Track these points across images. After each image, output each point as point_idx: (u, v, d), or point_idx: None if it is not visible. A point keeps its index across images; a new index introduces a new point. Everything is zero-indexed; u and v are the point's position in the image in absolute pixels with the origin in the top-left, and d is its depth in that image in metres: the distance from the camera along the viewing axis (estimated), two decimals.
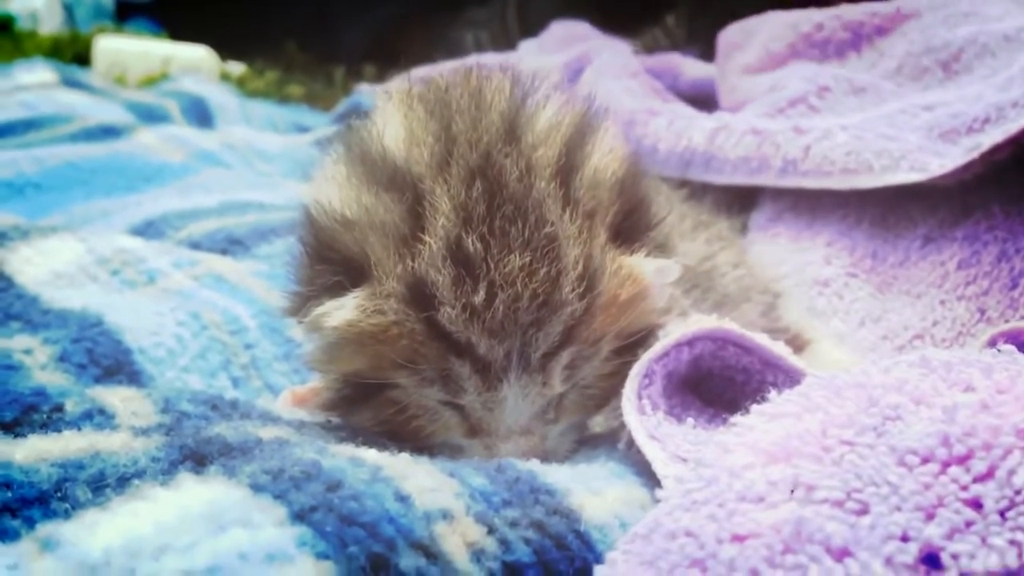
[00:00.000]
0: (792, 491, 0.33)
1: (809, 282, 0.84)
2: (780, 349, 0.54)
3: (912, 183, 0.79)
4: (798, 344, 0.77)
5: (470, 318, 0.44)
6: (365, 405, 0.48)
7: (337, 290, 0.45)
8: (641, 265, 0.48)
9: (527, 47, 1.59)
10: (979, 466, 0.33)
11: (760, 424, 0.38)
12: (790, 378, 0.51)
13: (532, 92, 0.51)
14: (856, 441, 0.36)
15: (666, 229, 0.53)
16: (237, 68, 2.04)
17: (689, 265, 0.66)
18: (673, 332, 0.51)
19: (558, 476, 0.41)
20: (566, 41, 1.55)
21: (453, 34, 2.04)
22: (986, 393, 0.36)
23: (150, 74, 1.83)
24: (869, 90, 1.02)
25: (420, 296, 0.44)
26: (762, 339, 0.53)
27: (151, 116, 1.25)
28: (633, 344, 0.50)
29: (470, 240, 0.43)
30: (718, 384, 0.56)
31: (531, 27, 1.77)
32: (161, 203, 0.86)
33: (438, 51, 1.93)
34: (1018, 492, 0.32)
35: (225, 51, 2.03)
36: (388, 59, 1.93)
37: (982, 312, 0.72)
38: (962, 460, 0.33)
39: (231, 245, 0.78)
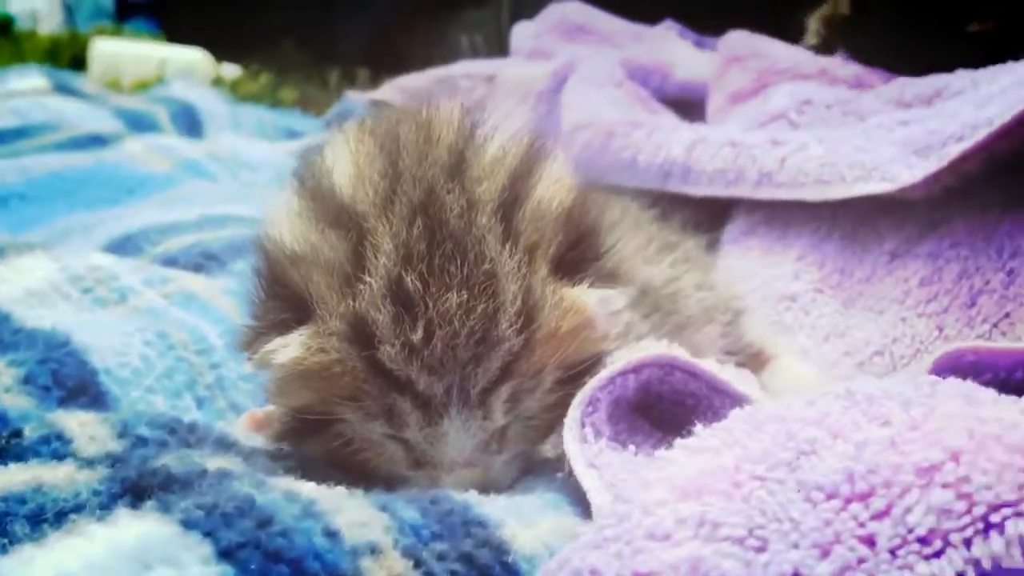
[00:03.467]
0: (698, 528, 0.34)
1: (777, 296, 0.85)
2: (726, 375, 0.55)
3: (882, 196, 0.80)
4: (761, 360, 0.78)
5: (409, 356, 0.45)
6: (313, 438, 0.49)
7: (285, 327, 0.47)
8: (583, 296, 0.49)
9: (521, 30, 1.58)
10: (878, 503, 0.34)
11: (681, 458, 0.39)
12: (736, 403, 0.52)
13: (481, 124, 0.52)
14: (768, 476, 0.37)
15: (616, 257, 0.54)
16: (232, 70, 2.05)
17: (654, 287, 0.67)
18: (619, 360, 0.52)
19: (493, 507, 0.43)
20: (559, 26, 1.55)
21: (450, 36, 2.05)
22: (898, 429, 0.37)
23: (145, 77, 1.84)
24: (851, 103, 1.03)
25: (361, 335, 0.45)
26: (707, 365, 0.54)
27: (140, 123, 1.26)
28: (579, 373, 0.51)
29: (409, 279, 0.45)
30: (669, 408, 0.57)
31: None
32: (141, 217, 0.87)
33: (435, 53, 1.93)
34: (911, 530, 0.33)
35: (223, 51, 2.04)
36: (385, 61, 1.95)
37: (940, 330, 0.73)
38: (863, 497, 0.34)
39: (207, 260, 0.79)
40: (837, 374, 0.77)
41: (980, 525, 0.32)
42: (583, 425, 0.50)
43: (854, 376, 0.76)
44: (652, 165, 1.00)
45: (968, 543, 0.32)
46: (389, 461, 0.49)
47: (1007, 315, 0.70)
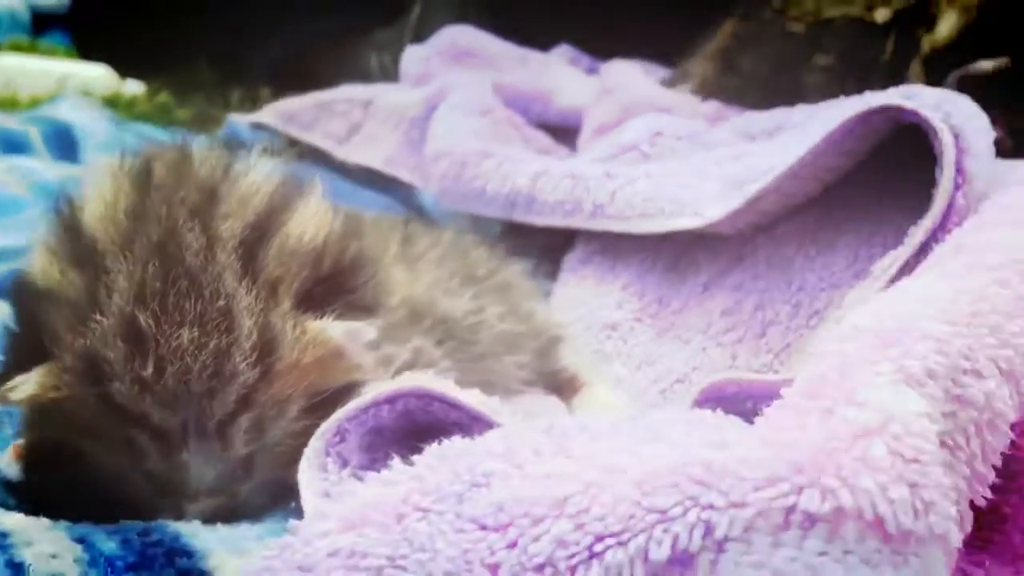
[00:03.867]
0: (347, 559, 0.36)
1: (601, 325, 0.88)
2: (485, 406, 0.57)
3: (700, 229, 0.84)
4: (575, 386, 0.81)
5: (141, 392, 0.47)
6: (60, 470, 0.51)
7: (27, 363, 0.48)
8: (328, 329, 0.52)
9: (412, 54, 1.60)
10: (512, 534, 0.36)
11: (361, 490, 0.42)
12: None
13: (238, 160, 0.55)
14: (432, 508, 0.39)
15: (375, 290, 0.56)
16: (137, 87, 2.04)
17: (454, 318, 0.70)
18: (372, 390, 0.54)
19: (207, 537, 0.44)
20: (449, 51, 1.58)
21: (360, 56, 2.05)
22: (559, 463, 0.40)
23: (43, 93, 1.83)
24: (702, 135, 1.06)
25: (94, 372, 0.47)
26: (464, 395, 0.57)
27: (11, 143, 1.26)
28: (329, 402, 0.53)
29: (142, 317, 0.47)
30: (444, 434, 0.59)
31: None
32: None
33: (345, 73, 1.94)
34: (530, 559, 0.35)
35: (133, 67, 2.03)
36: (295, 80, 1.95)
37: (734, 358, 0.77)
38: (502, 528, 0.37)
39: None
40: (645, 402, 0.80)
41: (586, 554, 0.35)
42: (327, 454, 0.52)
43: (659, 404, 0.79)
44: (499, 195, 1.03)
45: (573, 571, 0.34)
46: (135, 492, 0.50)
47: (788, 345, 0.74)
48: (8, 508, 0.46)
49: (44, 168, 1.13)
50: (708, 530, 0.34)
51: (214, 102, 2.05)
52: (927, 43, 1.05)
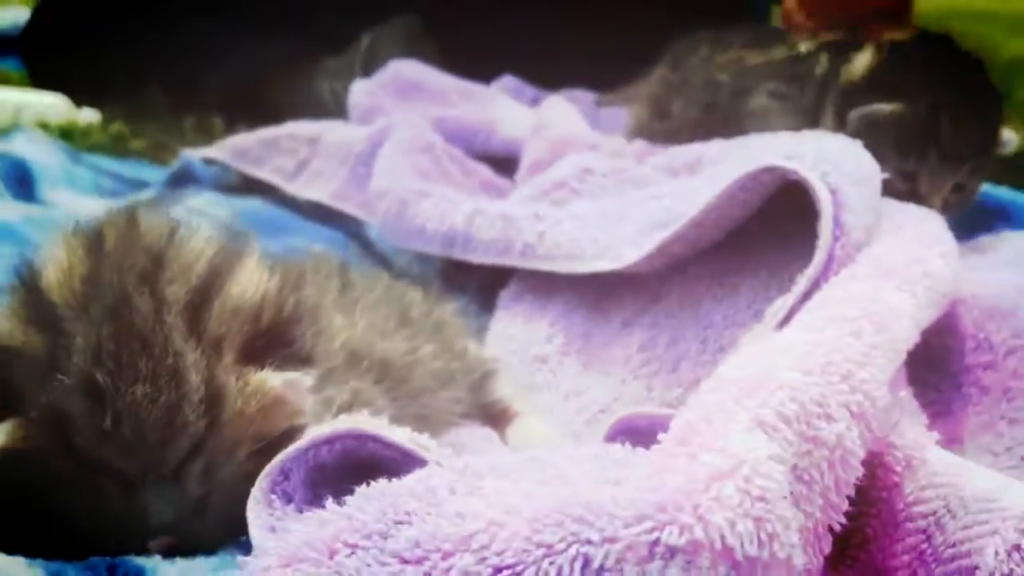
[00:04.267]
0: None
1: (532, 358, 0.95)
2: (414, 443, 0.64)
3: (620, 271, 0.91)
4: (507, 416, 0.88)
5: (102, 442, 0.53)
6: (28, 512, 0.56)
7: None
8: (269, 380, 0.58)
9: (359, 88, 1.66)
10: (426, 566, 0.43)
11: (300, 528, 0.48)
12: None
13: (182, 227, 0.61)
14: (360, 544, 0.45)
15: (311, 340, 0.63)
16: (92, 116, 2.07)
17: (390, 359, 0.76)
18: (312, 432, 0.61)
19: (167, 570, 0.51)
20: (394, 84, 1.64)
21: (313, 84, 2.09)
22: (468, 501, 0.47)
23: (1, 125, 1.85)
24: (628, 172, 1.14)
25: (58, 425, 0.53)
26: (396, 434, 0.63)
27: None
28: (274, 444, 0.59)
29: (99, 376, 0.53)
30: (380, 469, 0.66)
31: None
32: None
33: (297, 101, 1.99)
34: None
35: (85, 92, 2.05)
36: (247, 109, 1.99)
37: (650, 390, 0.84)
38: (419, 561, 0.43)
39: None
40: (571, 431, 0.87)
41: None
42: (273, 492, 0.58)
43: (583, 433, 0.87)
44: (438, 233, 1.09)
45: None
46: (101, 530, 0.56)
47: (697, 380, 0.81)
48: None
49: (3, 208, 1.17)
50: (587, 562, 0.41)
51: (168, 131, 2.09)
52: (844, 74, 1.13)
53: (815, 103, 1.14)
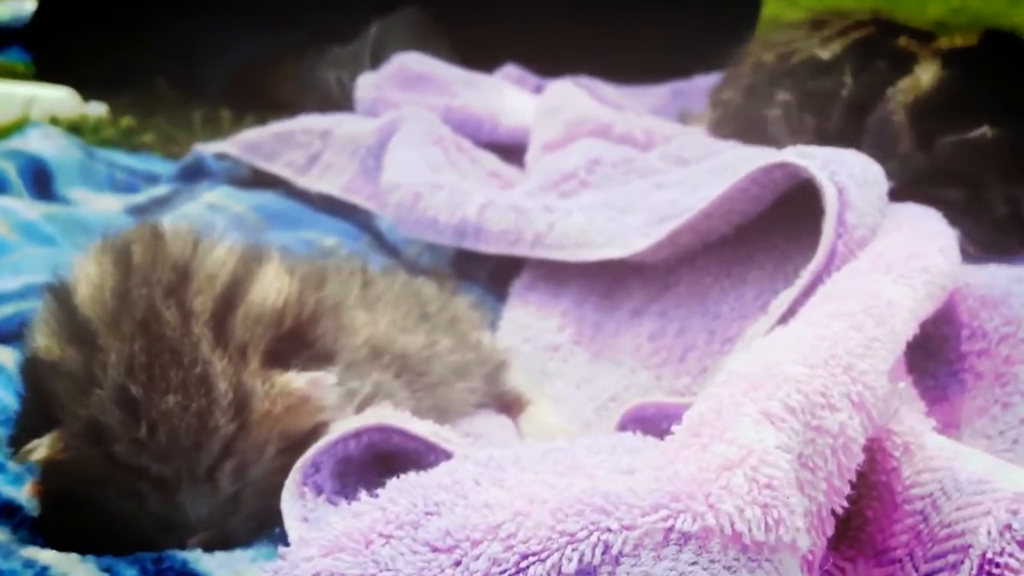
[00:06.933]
0: None
1: (544, 347, 0.98)
2: (437, 436, 0.67)
3: (628, 259, 0.94)
4: (520, 404, 0.91)
5: (138, 450, 0.56)
6: (75, 513, 0.60)
7: (40, 428, 0.57)
8: (293, 380, 0.61)
9: (365, 81, 1.69)
10: (458, 555, 0.46)
11: (336, 521, 0.51)
12: (447, 459, 0.64)
13: (204, 238, 0.64)
14: (393, 535, 0.49)
15: (332, 338, 0.66)
16: (100, 109, 2.08)
17: (411, 353, 0.79)
18: (339, 427, 0.64)
19: (211, 562, 0.54)
20: (399, 76, 1.66)
21: (319, 74, 2.10)
22: (495, 493, 0.50)
23: (10, 120, 1.87)
24: (635, 162, 1.17)
25: (97, 435, 0.56)
26: (419, 427, 0.66)
27: None
28: (302, 441, 0.62)
29: (133, 388, 0.56)
30: (404, 460, 0.69)
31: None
32: None
33: (304, 92, 2.01)
34: (472, 574, 0.45)
35: (93, 84, 2.07)
36: (254, 100, 2.01)
37: (659, 379, 0.87)
38: (449, 550, 0.46)
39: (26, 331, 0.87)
40: (581, 419, 0.90)
41: (514, 570, 0.45)
42: (305, 484, 0.61)
43: (593, 421, 0.90)
44: (450, 224, 1.12)
45: None
46: (142, 530, 0.59)
47: (705, 369, 0.84)
48: (40, 546, 0.56)
49: (25, 207, 1.20)
50: (606, 548, 0.44)
51: (177, 123, 2.11)
52: (910, 90, 1.02)
53: (842, 129, 1.05)
